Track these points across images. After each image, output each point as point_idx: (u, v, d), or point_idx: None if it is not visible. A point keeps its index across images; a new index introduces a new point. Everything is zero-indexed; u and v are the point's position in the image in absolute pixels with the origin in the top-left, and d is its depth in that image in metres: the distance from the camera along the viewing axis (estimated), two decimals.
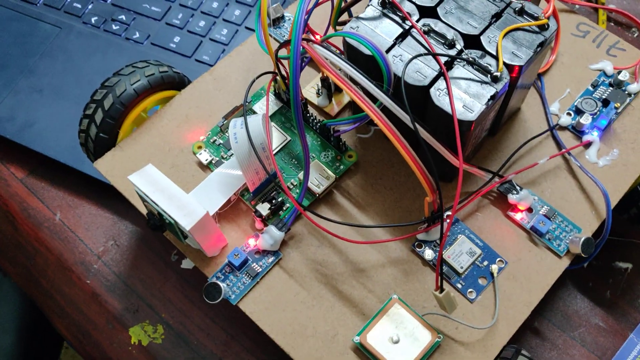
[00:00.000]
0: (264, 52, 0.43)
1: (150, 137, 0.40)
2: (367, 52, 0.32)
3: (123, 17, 0.55)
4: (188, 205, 0.33)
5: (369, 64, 0.32)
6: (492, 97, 0.32)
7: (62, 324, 0.47)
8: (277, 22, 0.44)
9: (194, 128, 0.40)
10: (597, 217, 0.37)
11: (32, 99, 0.51)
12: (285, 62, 0.37)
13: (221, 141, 0.40)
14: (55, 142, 0.49)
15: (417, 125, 0.30)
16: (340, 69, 0.31)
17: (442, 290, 0.32)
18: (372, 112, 0.30)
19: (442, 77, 0.32)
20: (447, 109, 0.31)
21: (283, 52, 0.36)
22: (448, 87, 0.31)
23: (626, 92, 0.40)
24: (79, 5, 0.56)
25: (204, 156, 0.39)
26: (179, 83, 0.42)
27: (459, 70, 0.33)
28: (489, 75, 0.32)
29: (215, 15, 0.54)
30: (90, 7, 0.55)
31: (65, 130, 0.49)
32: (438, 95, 0.32)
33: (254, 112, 0.41)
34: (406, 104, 0.30)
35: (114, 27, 0.54)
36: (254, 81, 0.37)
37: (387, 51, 0.33)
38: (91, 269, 0.46)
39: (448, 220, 0.33)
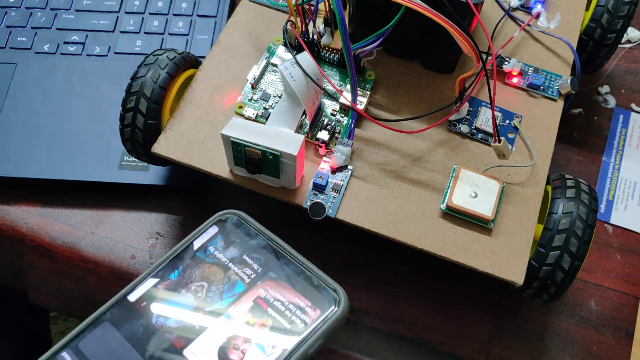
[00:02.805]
0: (255, 15, 0.48)
1: (192, 112, 0.44)
2: None
3: (75, 37, 0.56)
4: (286, 136, 0.37)
5: None
6: None
7: None
8: None
9: (227, 93, 0.44)
10: (567, 63, 0.47)
11: (19, 134, 0.51)
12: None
13: (257, 96, 0.44)
14: (61, 163, 0.49)
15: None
16: None
17: (499, 140, 0.40)
18: (415, 5, 0.36)
19: None
20: None
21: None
22: None
23: None
24: (24, 39, 0.56)
25: (249, 112, 0.43)
26: (195, 61, 0.46)
27: None
28: None
29: (165, 13, 0.57)
30: (35, 37, 0.56)
31: (67, 148, 0.50)
32: None
33: (274, 66, 0.45)
34: None
35: (71, 49, 0.55)
36: (285, 26, 0.43)
37: None
38: (148, 264, 0.48)
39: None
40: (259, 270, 0.34)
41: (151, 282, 0.34)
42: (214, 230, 0.36)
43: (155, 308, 0.33)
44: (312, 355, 0.31)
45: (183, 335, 0.32)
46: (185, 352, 0.31)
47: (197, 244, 0.36)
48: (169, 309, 0.33)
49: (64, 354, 0.31)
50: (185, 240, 0.36)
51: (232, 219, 0.37)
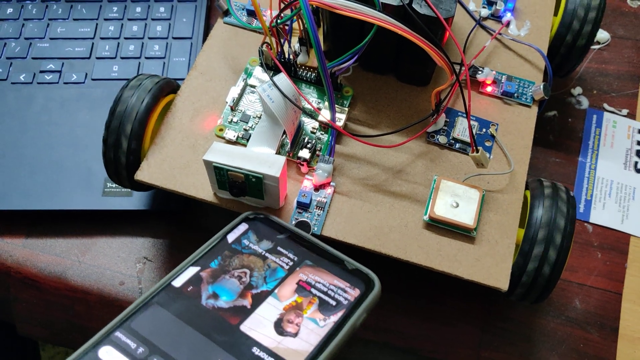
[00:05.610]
0: (231, 37, 0.48)
1: (173, 137, 0.44)
2: None
3: (52, 65, 0.56)
4: (268, 158, 0.38)
5: None
6: None
7: None
8: (227, 13, 0.49)
9: (207, 117, 0.45)
10: (539, 69, 0.48)
11: None
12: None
13: (236, 118, 0.45)
14: (44, 193, 0.49)
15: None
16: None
17: (477, 150, 0.41)
18: (387, 24, 0.37)
19: None
20: (432, 13, 0.40)
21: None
22: None
23: None
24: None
25: (230, 134, 0.44)
26: (176, 86, 0.46)
27: None
28: None
29: (140, 37, 0.58)
30: (11, 68, 0.56)
31: (49, 178, 0.50)
32: (420, 7, 0.40)
33: (252, 87, 0.46)
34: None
35: (48, 77, 0.55)
36: (261, 48, 0.43)
37: None
38: (137, 290, 0.48)
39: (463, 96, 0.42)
40: (295, 259, 0.37)
41: (193, 269, 0.35)
42: (244, 226, 0.39)
43: (203, 291, 0.34)
44: (359, 326, 0.34)
45: (236, 313, 0.33)
46: (242, 327, 0.33)
47: (230, 238, 0.38)
48: (217, 291, 0.34)
49: (117, 334, 0.31)
50: (218, 235, 0.38)
51: (259, 217, 0.39)
